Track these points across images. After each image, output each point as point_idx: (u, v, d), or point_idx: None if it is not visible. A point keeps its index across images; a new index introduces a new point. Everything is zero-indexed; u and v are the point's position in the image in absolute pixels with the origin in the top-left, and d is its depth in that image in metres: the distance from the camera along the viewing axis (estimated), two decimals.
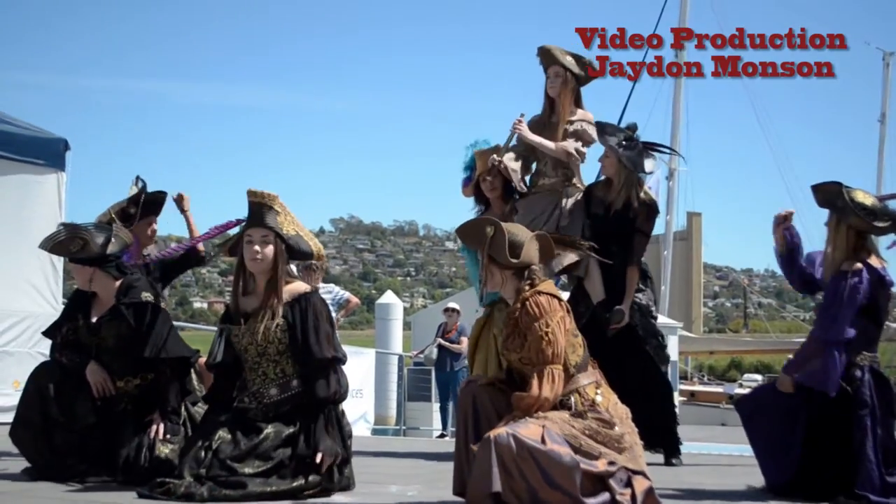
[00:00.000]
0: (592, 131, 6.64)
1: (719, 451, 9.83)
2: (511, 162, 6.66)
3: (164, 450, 4.81)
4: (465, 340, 12.16)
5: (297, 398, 4.59)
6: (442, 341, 14.16)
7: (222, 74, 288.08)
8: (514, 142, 6.68)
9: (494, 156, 6.64)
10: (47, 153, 8.97)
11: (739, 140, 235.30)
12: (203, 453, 4.42)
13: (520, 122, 6.63)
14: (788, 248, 5.29)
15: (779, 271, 5.54)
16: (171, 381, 5.01)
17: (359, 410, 14.61)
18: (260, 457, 4.41)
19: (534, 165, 6.86)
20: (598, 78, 6.85)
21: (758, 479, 5.20)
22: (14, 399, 5.43)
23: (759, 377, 37.76)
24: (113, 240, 5.15)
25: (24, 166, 8.78)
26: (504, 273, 4.17)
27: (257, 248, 4.60)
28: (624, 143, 6.48)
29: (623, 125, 6.69)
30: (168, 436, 4.88)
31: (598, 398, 4.04)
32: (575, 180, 6.75)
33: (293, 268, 11.86)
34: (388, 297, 20.90)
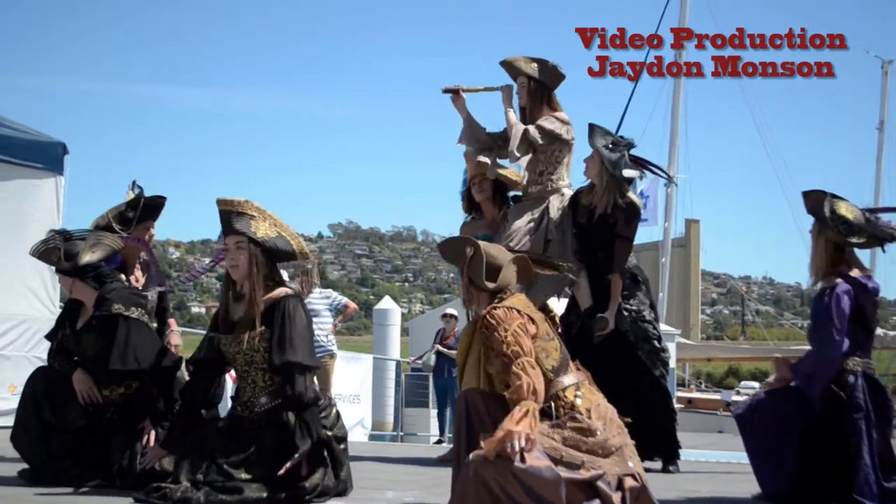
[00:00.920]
0: (554, 125, 6.61)
1: (716, 458, 9.84)
2: (481, 156, 6.74)
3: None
4: None
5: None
6: (440, 347, 14.16)
7: (220, 79, 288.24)
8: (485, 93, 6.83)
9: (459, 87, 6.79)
10: (45, 157, 8.99)
11: (738, 147, 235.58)
12: (200, 458, 4.42)
13: (510, 87, 6.74)
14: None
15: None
16: (152, 389, 5.04)
17: (356, 416, 14.62)
18: (257, 462, 4.41)
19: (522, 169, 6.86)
20: (564, 80, 6.80)
21: (755, 487, 5.20)
22: (11, 403, 5.47)
23: (756, 384, 37.68)
24: (92, 250, 5.18)
25: (23, 170, 8.79)
26: (480, 295, 4.19)
27: (232, 256, 4.63)
28: (610, 146, 6.49)
29: (621, 134, 6.68)
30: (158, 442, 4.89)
31: (578, 401, 3.97)
32: (563, 183, 6.74)
33: (284, 273, 11.91)
34: (386, 303, 20.89)
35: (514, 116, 6.66)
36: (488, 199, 6.93)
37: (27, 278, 8.60)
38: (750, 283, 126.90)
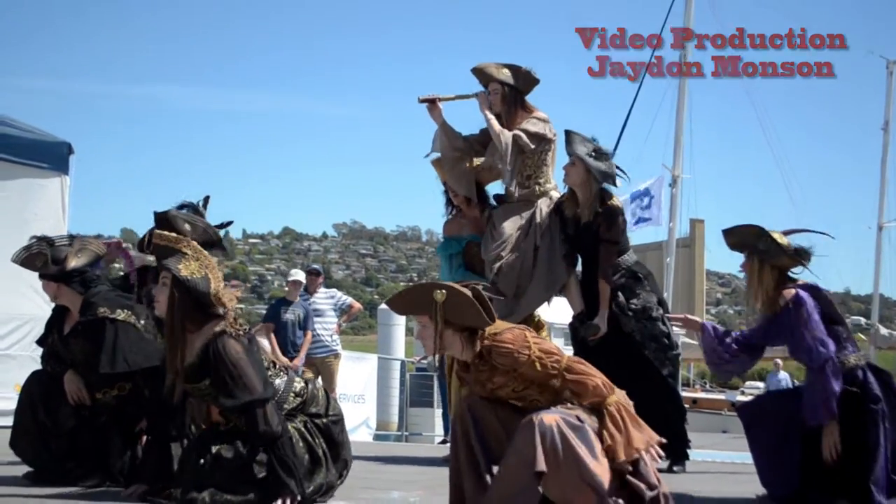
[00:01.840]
0: (538, 126, 6.62)
1: (721, 458, 9.82)
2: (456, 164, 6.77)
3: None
4: None
5: None
6: None
7: (227, 79, 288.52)
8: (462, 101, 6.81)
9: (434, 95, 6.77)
10: (51, 157, 9.00)
11: (743, 147, 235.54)
12: (204, 460, 4.35)
13: (484, 93, 6.71)
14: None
15: None
16: (144, 390, 5.01)
17: (361, 416, 14.64)
18: (263, 464, 4.31)
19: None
20: (538, 84, 6.78)
21: (760, 488, 5.19)
22: (15, 403, 5.47)
23: (761, 384, 37.65)
24: (78, 255, 5.17)
25: (28, 170, 8.80)
26: (454, 337, 4.02)
27: (157, 290, 4.40)
28: (594, 154, 6.44)
29: (593, 137, 6.61)
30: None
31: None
32: (550, 185, 6.74)
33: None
34: None
35: (497, 124, 6.61)
36: (465, 201, 6.93)
37: (33, 278, 8.51)
38: None
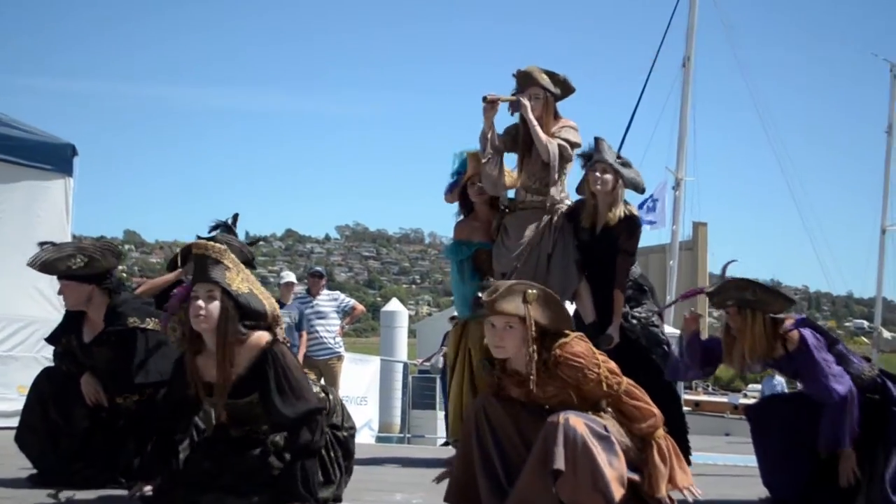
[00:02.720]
0: (575, 136, 6.57)
1: (724, 461, 9.82)
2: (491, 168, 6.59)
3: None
4: None
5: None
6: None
7: (227, 78, 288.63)
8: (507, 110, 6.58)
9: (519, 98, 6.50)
10: (55, 158, 9.00)
11: (746, 150, 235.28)
12: (209, 463, 4.34)
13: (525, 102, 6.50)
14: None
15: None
16: (159, 394, 4.93)
17: (363, 418, 14.63)
18: (268, 467, 4.30)
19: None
20: (573, 93, 6.71)
21: (763, 490, 5.18)
22: (18, 404, 5.46)
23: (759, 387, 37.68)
24: (105, 257, 5.09)
25: (32, 171, 8.80)
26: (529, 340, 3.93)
27: (201, 303, 4.19)
28: (619, 160, 6.42)
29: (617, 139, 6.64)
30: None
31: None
32: (563, 195, 6.65)
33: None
34: (394, 305, 20.90)
35: (543, 133, 6.47)
36: (486, 202, 6.89)
37: (36, 280, 8.57)
38: None
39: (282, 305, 11.20)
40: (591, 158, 6.43)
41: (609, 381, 3.95)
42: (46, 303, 8.66)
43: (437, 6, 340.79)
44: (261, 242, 5.14)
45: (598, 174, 6.34)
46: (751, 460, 5.42)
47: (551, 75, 6.65)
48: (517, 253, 6.43)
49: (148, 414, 4.96)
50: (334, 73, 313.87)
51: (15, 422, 5.30)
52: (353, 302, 12.29)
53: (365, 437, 14.13)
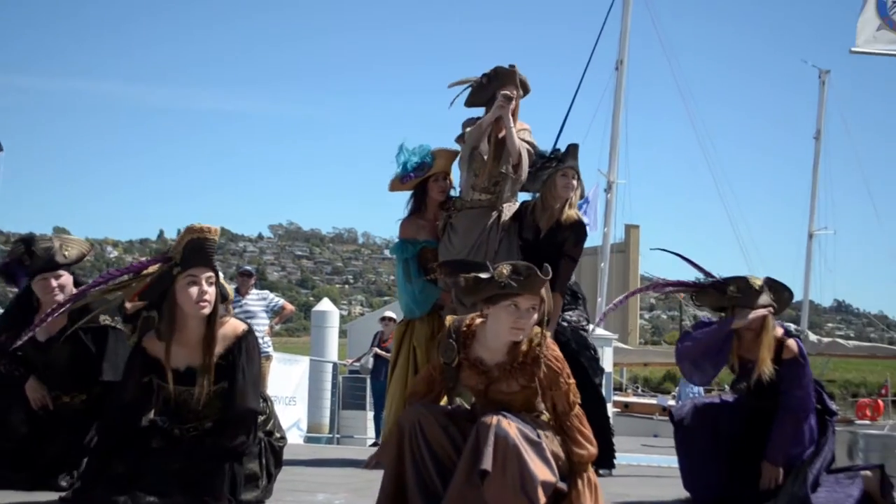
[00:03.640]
0: (532, 139, 6.63)
1: (648, 462, 9.92)
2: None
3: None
4: None
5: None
6: (378, 350, 14.12)
7: (157, 75, 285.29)
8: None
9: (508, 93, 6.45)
10: None
11: (678, 153, 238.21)
12: (131, 461, 4.16)
13: (508, 101, 6.44)
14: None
15: None
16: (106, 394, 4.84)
17: (292, 418, 14.56)
18: (194, 467, 4.15)
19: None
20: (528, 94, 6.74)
21: (682, 491, 5.24)
22: None
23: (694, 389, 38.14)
24: (70, 249, 4.99)
25: None
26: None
27: (207, 288, 4.13)
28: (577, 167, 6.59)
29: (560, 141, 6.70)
30: None
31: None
32: (509, 194, 6.66)
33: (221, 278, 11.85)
34: (325, 305, 20.77)
35: (517, 136, 6.48)
36: (441, 203, 6.85)
37: None
38: None
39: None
40: (561, 162, 6.50)
41: (574, 397, 3.97)
42: None
43: (377, 9, 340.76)
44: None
45: (570, 180, 6.47)
46: (674, 461, 5.47)
47: (522, 77, 6.68)
48: (465, 252, 6.43)
49: (95, 413, 4.84)
50: (269, 72, 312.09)
51: None
52: (282, 301, 12.24)
53: (293, 438, 14.04)
